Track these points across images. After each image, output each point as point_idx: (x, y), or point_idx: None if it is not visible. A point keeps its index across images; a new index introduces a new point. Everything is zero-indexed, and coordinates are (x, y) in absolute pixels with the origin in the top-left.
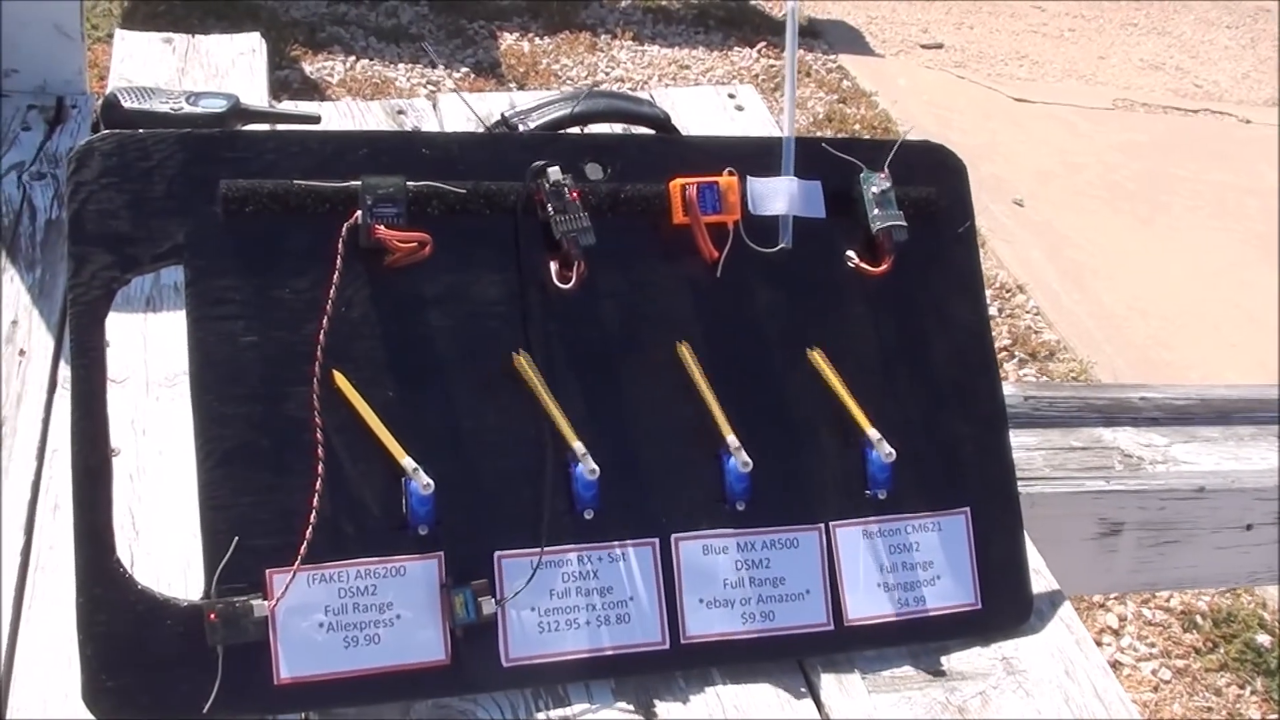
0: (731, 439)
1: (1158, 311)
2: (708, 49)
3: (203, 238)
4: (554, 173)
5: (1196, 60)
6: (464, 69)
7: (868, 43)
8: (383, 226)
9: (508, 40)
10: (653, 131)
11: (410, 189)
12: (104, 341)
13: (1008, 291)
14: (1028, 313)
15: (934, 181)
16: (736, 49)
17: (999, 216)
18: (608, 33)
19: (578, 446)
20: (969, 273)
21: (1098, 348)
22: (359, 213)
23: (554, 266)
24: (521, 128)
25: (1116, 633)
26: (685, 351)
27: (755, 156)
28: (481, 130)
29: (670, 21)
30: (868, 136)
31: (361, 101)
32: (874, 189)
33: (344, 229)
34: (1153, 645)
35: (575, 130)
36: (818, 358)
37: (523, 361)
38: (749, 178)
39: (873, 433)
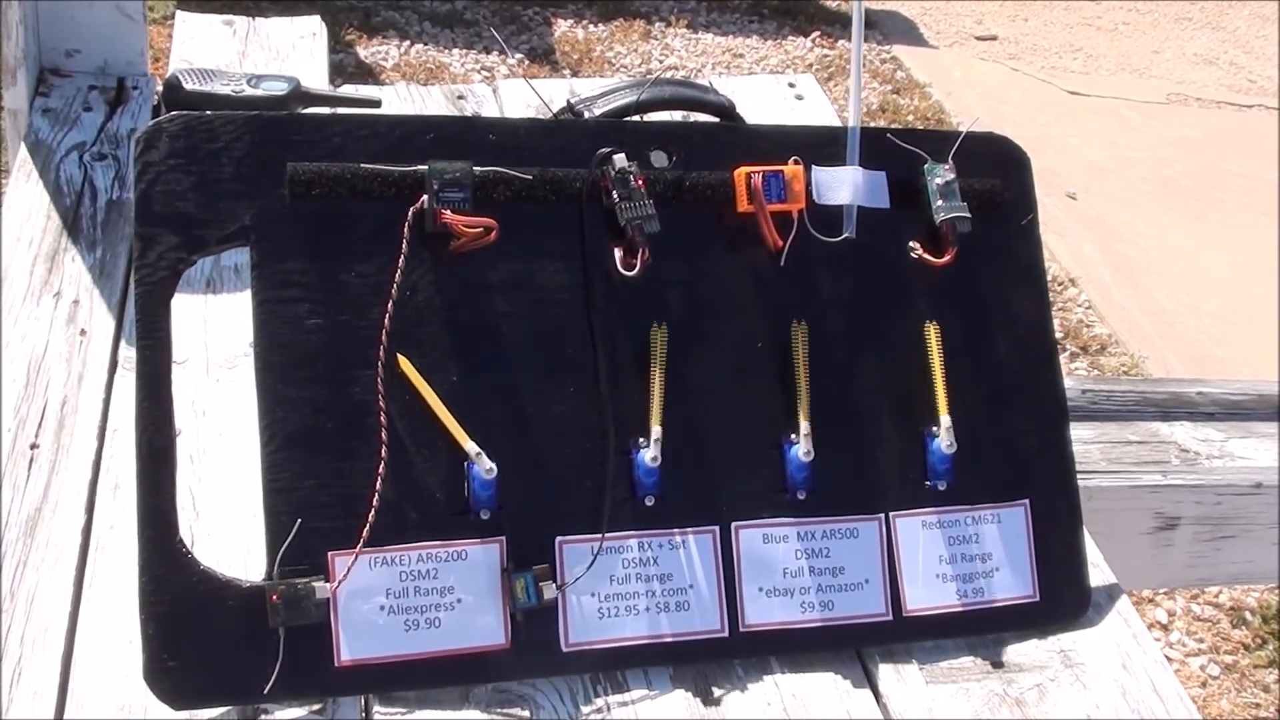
0: (805, 426)
1: (1210, 308)
2: (762, 38)
3: (269, 220)
4: (619, 160)
5: (1251, 55)
6: (518, 55)
7: (922, 34)
8: (449, 211)
9: (562, 27)
10: (717, 120)
11: (476, 174)
12: (169, 322)
13: (1060, 285)
14: (1080, 306)
15: (998, 173)
16: (791, 38)
17: (1052, 210)
18: (662, 20)
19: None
20: (1031, 265)
21: (1149, 343)
22: (425, 197)
23: (618, 253)
24: (587, 115)
25: (1165, 628)
26: (799, 332)
27: (820, 146)
28: (547, 116)
29: (725, 10)
30: (921, 128)
31: (421, 86)
32: (938, 180)
33: (410, 213)
34: (1201, 641)
35: (638, 118)
36: (931, 332)
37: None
38: (814, 167)
39: (945, 420)
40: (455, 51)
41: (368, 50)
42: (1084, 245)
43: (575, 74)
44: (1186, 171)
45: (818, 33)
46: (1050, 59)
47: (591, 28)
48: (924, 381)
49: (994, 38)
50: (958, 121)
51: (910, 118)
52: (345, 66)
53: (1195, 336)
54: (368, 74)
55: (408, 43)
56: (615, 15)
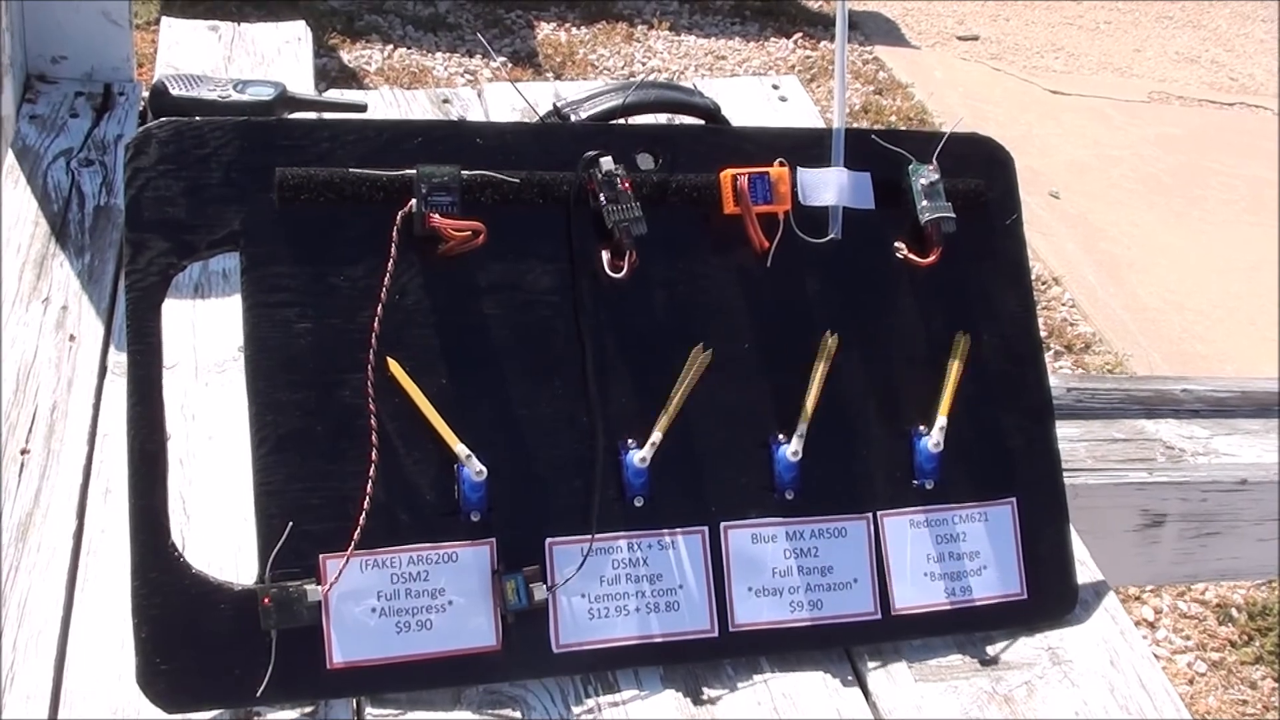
0: (803, 426)
1: (1193, 305)
2: (744, 39)
3: (259, 225)
4: (606, 163)
5: (1232, 54)
6: (501, 58)
7: (904, 34)
8: (437, 215)
9: (544, 30)
10: (702, 122)
11: (464, 178)
12: (160, 327)
13: (1043, 284)
14: (1063, 305)
15: (982, 174)
16: (773, 40)
17: (1035, 209)
18: (644, 23)
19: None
20: (1016, 264)
21: (1133, 340)
22: (414, 201)
23: (606, 256)
24: (573, 118)
25: (1152, 625)
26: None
27: (805, 147)
28: (533, 120)
29: (707, 12)
30: (903, 128)
31: (406, 90)
32: (923, 180)
33: (399, 217)
34: (1188, 638)
35: (624, 120)
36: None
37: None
38: (799, 168)
39: (942, 420)
40: (438, 55)
41: (351, 54)
42: (1067, 244)
43: (558, 77)
44: (1168, 169)
45: (800, 34)
46: (1032, 58)
47: (574, 30)
48: (912, 381)
49: (976, 38)
50: (940, 122)
51: (893, 118)
52: (329, 71)
53: (1178, 334)
54: (351, 78)
55: (391, 46)
56: (598, 18)
